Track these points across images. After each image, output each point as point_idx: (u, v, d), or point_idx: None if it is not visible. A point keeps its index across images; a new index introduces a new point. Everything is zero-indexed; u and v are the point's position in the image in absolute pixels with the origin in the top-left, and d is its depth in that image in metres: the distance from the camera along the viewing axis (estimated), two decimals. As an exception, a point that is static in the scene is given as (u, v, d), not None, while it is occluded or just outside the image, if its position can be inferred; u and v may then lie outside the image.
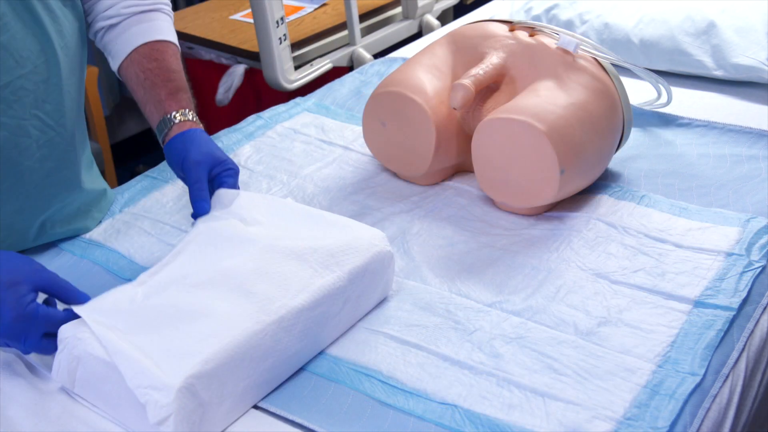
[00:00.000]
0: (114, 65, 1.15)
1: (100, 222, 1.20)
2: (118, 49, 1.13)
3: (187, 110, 1.09)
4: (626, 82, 1.26)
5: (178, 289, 0.89)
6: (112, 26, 1.13)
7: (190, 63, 2.37)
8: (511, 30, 1.25)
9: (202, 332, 0.83)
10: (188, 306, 0.86)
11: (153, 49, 1.12)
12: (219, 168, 1.06)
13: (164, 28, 1.14)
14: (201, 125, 1.10)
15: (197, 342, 0.81)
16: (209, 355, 0.80)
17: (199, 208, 1.02)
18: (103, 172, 1.78)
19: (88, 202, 1.17)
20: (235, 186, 1.06)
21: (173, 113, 1.08)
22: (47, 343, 0.87)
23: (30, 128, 1.03)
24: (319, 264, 0.93)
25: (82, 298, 0.89)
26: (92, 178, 1.19)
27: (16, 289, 0.84)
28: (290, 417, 0.84)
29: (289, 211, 1.03)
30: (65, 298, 0.89)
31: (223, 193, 1.03)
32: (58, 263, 1.12)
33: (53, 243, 1.15)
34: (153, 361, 0.79)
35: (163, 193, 1.28)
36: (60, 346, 0.85)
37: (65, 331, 0.85)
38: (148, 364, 0.78)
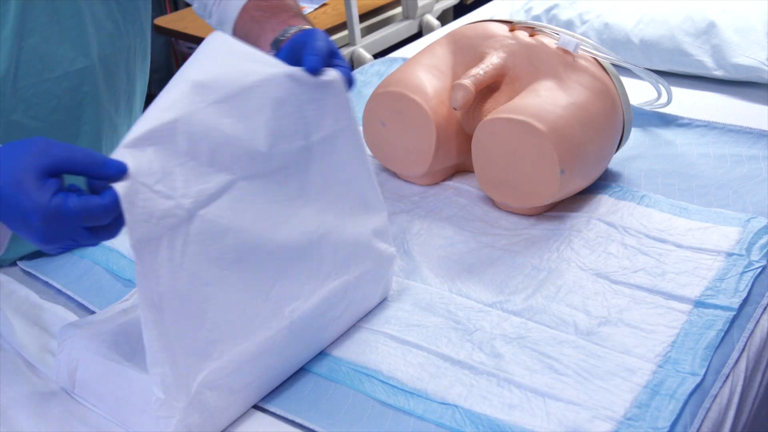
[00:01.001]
0: (229, 28, 1.07)
1: None
2: (231, 9, 1.06)
3: (310, 27, 0.96)
4: (626, 82, 1.26)
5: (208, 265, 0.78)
6: None
7: (190, 63, 2.37)
8: (511, 30, 1.25)
9: (218, 333, 0.79)
10: (205, 298, 0.78)
11: None
12: (336, 60, 0.88)
13: None
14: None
15: (211, 344, 0.79)
16: (223, 363, 0.79)
17: (309, 64, 0.83)
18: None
19: None
20: (345, 77, 0.87)
21: (296, 25, 0.96)
22: (103, 233, 0.71)
23: (50, 131, 1.02)
24: (333, 267, 0.90)
25: (112, 168, 0.69)
26: None
27: (25, 185, 0.65)
28: (290, 417, 0.84)
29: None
30: (92, 172, 0.69)
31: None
32: (58, 262, 1.12)
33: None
34: (167, 356, 0.75)
35: (164, 193, 1.28)
36: (59, 348, 0.85)
37: (64, 333, 0.85)
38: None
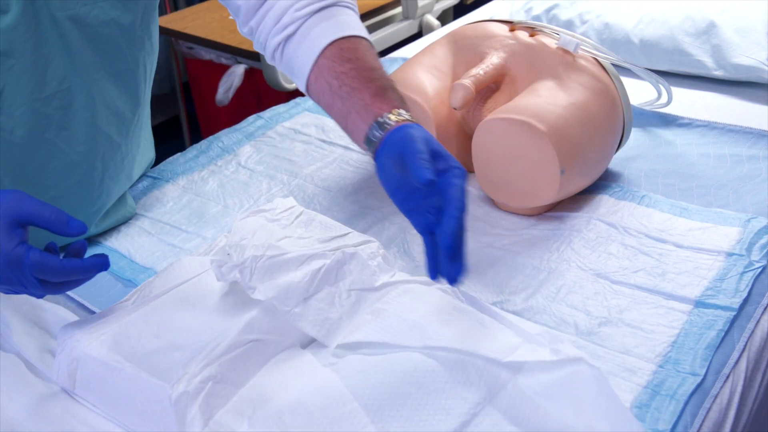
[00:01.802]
0: (301, 83, 0.96)
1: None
2: (302, 61, 0.93)
3: (402, 110, 0.86)
4: (626, 82, 1.26)
5: None
6: (289, 37, 0.94)
7: (190, 63, 2.37)
8: (512, 30, 1.25)
9: None
10: None
11: (342, 48, 0.91)
12: (443, 163, 0.80)
13: (351, 22, 0.94)
14: (418, 122, 0.86)
15: None
16: None
17: (420, 176, 0.76)
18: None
19: (109, 211, 1.16)
20: (462, 187, 0.79)
21: (386, 115, 0.85)
22: (52, 288, 0.78)
23: (40, 152, 1.01)
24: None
25: (74, 228, 0.77)
26: (122, 197, 1.19)
27: None
28: None
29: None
30: (56, 228, 0.77)
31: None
32: (58, 263, 1.12)
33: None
34: None
35: (163, 192, 1.28)
36: (59, 348, 0.85)
37: (64, 333, 0.85)
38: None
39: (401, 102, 0.88)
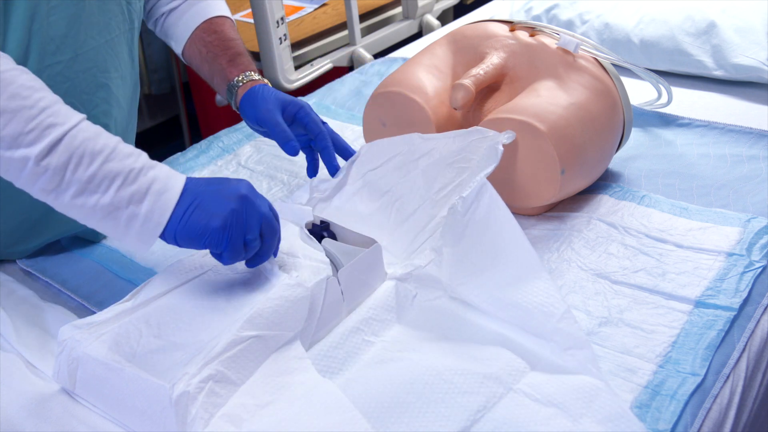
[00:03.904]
0: (178, 48, 1.21)
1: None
2: (181, 32, 1.19)
3: (248, 72, 1.14)
4: (626, 82, 1.26)
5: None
6: (171, 10, 1.19)
7: (190, 63, 2.37)
8: (512, 30, 1.24)
9: None
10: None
11: (212, 23, 1.18)
12: (291, 108, 1.10)
13: (220, 5, 1.21)
14: (264, 81, 1.15)
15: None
16: None
17: (289, 149, 1.06)
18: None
19: None
20: (316, 120, 1.10)
21: (235, 79, 1.13)
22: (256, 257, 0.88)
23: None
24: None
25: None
26: None
27: (258, 198, 0.88)
28: None
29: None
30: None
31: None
32: (58, 261, 1.12)
33: (55, 242, 1.15)
34: None
35: (164, 193, 1.28)
36: (59, 348, 0.85)
37: (64, 333, 0.85)
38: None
39: (249, 64, 1.16)
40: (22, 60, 0.96)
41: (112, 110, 1.09)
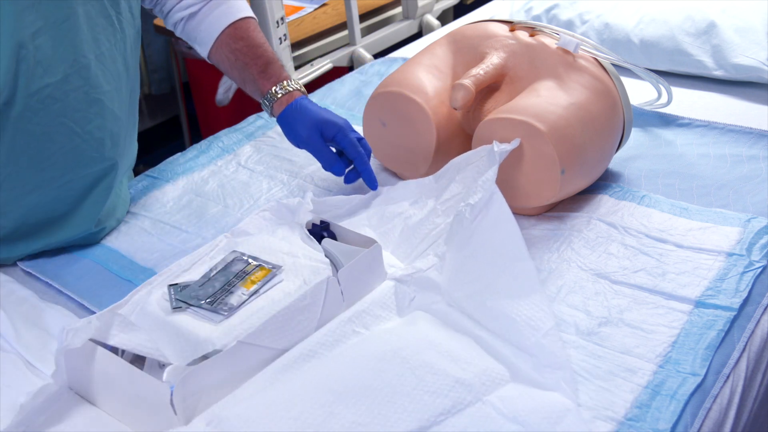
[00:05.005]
0: (203, 52, 1.22)
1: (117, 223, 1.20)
2: (204, 36, 1.20)
3: (281, 83, 1.17)
4: (626, 82, 1.26)
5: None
6: (192, 15, 1.20)
7: (190, 63, 2.37)
8: (512, 30, 1.24)
9: None
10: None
11: (237, 28, 1.19)
12: (330, 130, 1.14)
13: (241, 6, 1.21)
14: (301, 90, 1.18)
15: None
16: None
17: (336, 172, 1.15)
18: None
19: (110, 207, 1.17)
20: (354, 142, 1.15)
21: (268, 93, 1.17)
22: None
23: (55, 134, 1.02)
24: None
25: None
26: (122, 187, 1.20)
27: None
28: None
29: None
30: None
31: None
32: (58, 261, 1.12)
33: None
34: None
35: (163, 192, 1.28)
36: (59, 348, 0.85)
37: (65, 333, 0.85)
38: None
39: (280, 73, 1.19)
40: (10, 86, 0.96)
41: (107, 123, 1.08)
